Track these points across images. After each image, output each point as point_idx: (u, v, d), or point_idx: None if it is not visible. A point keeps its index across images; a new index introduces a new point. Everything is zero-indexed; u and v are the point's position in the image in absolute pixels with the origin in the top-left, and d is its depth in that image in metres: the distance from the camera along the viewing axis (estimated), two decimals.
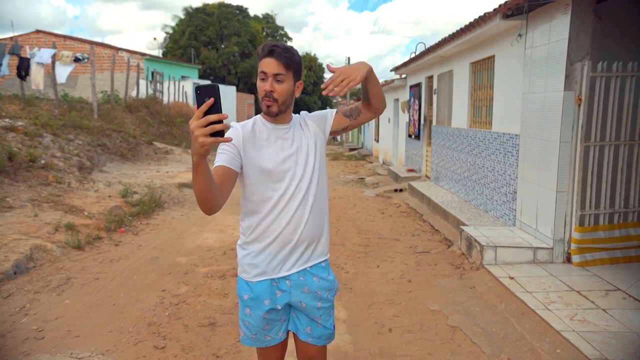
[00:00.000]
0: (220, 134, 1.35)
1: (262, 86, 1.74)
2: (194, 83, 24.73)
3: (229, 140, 1.40)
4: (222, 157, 1.74)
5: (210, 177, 1.53)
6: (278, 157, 1.81)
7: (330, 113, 1.97)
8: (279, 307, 1.88)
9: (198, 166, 1.44)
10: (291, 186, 1.82)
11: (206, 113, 1.34)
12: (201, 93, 1.35)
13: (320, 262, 1.93)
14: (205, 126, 1.34)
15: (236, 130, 1.80)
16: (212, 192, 1.57)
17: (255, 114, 1.86)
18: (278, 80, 1.72)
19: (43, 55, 11.42)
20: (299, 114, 1.98)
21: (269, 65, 1.71)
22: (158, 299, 4.00)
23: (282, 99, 1.74)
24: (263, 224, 1.83)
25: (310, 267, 1.90)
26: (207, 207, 1.63)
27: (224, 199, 1.70)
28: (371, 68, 1.73)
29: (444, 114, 8.90)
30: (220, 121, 1.35)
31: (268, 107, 1.75)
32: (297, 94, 1.83)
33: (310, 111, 2.01)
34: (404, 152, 12.88)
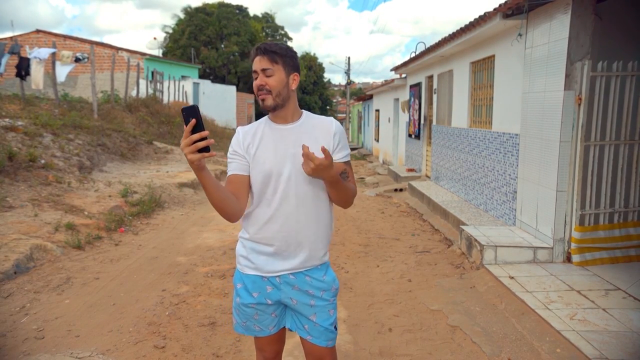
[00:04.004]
0: (205, 149, 1.54)
1: (255, 84, 1.81)
2: (194, 83, 24.75)
3: (213, 155, 1.57)
4: (231, 165, 1.85)
5: (217, 186, 1.67)
6: (274, 158, 1.81)
7: (343, 154, 1.88)
8: (270, 302, 1.89)
9: (200, 179, 1.61)
10: (286, 188, 1.81)
11: (193, 131, 1.52)
12: (186, 114, 1.53)
13: (315, 266, 1.91)
14: (192, 144, 1.52)
15: (238, 135, 1.87)
16: (223, 200, 1.71)
17: (255, 114, 1.87)
18: (268, 75, 1.77)
19: (41, 51, 11.40)
20: (331, 120, 1.90)
21: (257, 63, 1.78)
22: (158, 299, 4.00)
23: (276, 90, 1.77)
24: (257, 223, 1.86)
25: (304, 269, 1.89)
26: (225, 213, 1.76)
27: (241, 205, 1.81)
28: (338, 180, 1.73)
29: (444, 114, 8.90)
30: (204, 138, 1.52)
31: (263, 100, 1.79)
32: (294, 87, 1.84)
33: (311, 111, 2.02)
34: (404, 151, 12.88)
